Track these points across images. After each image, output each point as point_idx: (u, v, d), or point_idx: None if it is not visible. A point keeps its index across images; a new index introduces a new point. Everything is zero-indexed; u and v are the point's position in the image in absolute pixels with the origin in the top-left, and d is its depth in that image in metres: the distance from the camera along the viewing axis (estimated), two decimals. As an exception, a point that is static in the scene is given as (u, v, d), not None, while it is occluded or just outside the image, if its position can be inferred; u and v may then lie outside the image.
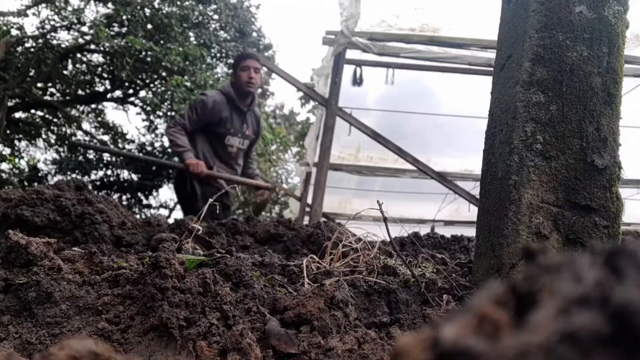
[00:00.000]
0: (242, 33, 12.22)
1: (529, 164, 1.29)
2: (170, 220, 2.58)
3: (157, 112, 11.35)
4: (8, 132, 10.95)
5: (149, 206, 13.01)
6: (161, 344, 0.95)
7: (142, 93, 12.42)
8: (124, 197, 11.95)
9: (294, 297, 1.08)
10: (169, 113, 11.13)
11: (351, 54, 5.73)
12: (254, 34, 12.69)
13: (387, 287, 1.22)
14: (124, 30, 11.03)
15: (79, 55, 11.05)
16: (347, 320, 1.05)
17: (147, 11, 10.67)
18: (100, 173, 11.85)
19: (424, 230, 2.83)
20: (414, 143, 6.60)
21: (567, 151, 1.30)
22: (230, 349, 0.88)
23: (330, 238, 1.46)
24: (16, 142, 11.68)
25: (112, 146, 12.26)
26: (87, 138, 12.25)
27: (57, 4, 10.43)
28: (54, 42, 10.76)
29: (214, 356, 0.90)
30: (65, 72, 11.38)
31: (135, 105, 12.48)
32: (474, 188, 6.45)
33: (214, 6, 11.90)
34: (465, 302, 1.22)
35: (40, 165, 12.04)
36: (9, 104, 10.08)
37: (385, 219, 1.39)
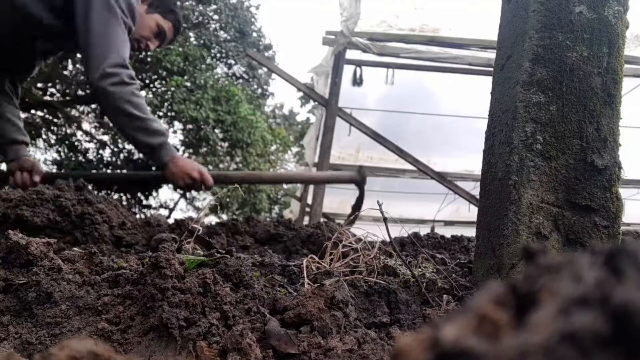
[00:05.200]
0: (242, 33, 12.23)
1: (529, 164, 1.29)
2: (170, 221, 2.58)
3: (158, 113, 11.35)
4: (8, 132, 10.93)
5: (149, 206, 13.02)
6: (161, 344, 0.95)
7: (142, 93, 12.43)
8: (124, 197, 11.95)
9: (294, 297, 1.08)
10: (169, 113, 11.15)
11: (351, 54, 5.74)
12: (254, 34, 12.71)
13: (387, 288, 1.22)
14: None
15: (79, 55, 11.04)
16: (347, 320, 1.05)
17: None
18: (100, 173, 11.85)
19: (424, 230, 2.83)
20: (414, 143, 6.60)
21: (567, 151, 1.30)
22: (230, 349, 0.88)
23: (330, 238, 1.46)
24: (16, 142, 11.66)
25: (112, 147, 12.27)
26: (87, 138, 12.25)
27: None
28: (54, 42, 10.74)
29: (214, 356, 0.90)
30: (65, 72, 11.39)
31: (135, 106, 12.46)
32: (474, 188, 6.46)
33: (214, 6, 11.91)
34: (465, 302, 1.22)
35: (40, 166, 12.03)
36: (9, 104, 10.06)
37: (385, 219, 1.39)
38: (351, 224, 2.25)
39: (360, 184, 2.89)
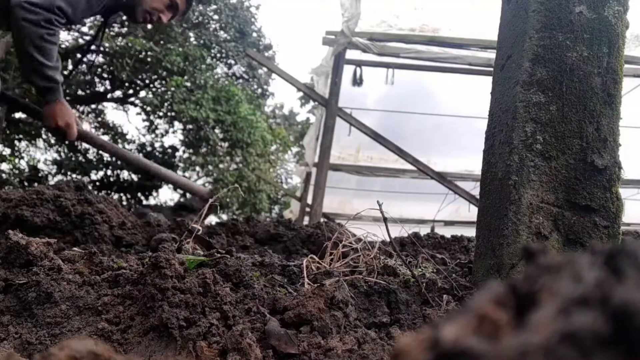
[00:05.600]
0: (242, 33, 12.23)
1: (529, 164, 1.29)
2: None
3: (158, 113, 11.35)
4: (8, 132, 10.95)
5: (149, 206, 13.02)
6: (161, 344, 0.95)
7: (142, 93, 12.43)
8: (124, 197, 11.96)
9: (294, 297, 1.08)
10: (169, 113, 11.14)
11: (351, 54, 5.73)
12: (254, 34, 12.71)
13: (387, 287, 1.22)
14: (124, 30, 11.03)
15: (79, 55, 11.05)
16: (347, 320, 1.05)
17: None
18: (101, 173, 11.86)
19: (424, 230, 2.83)
20: (414, 143, 6.60)
21: (567, 151, 1.30)
22: (230, 349, 0.88)
23: (330, 238, 1.46)
24: (16, 142, 11.68)
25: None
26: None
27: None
28: (54, 42, 10.73)
29: (214, 356, 0.90)
30: (65, 72, 11.38)
31: (135, 106, 12.49)
32: (474, 188, 6.45)
33: (214, 6, 11.91)
34: (465, 302, 1.22)
35: (41, 166, 12.05)
36: (9, 104, 10.05)
37: (385, 219, 1.39)
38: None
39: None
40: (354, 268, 1.34)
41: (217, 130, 11.07)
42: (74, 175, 11.35)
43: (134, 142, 12.54)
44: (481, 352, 0.24)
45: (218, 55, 12.33)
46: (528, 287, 0.28)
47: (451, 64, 5.72)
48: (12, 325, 0.99)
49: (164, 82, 11.43)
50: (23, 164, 11.98)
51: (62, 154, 11.87)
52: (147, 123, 12.43)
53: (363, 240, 1.43)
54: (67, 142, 2.54)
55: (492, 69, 1.59)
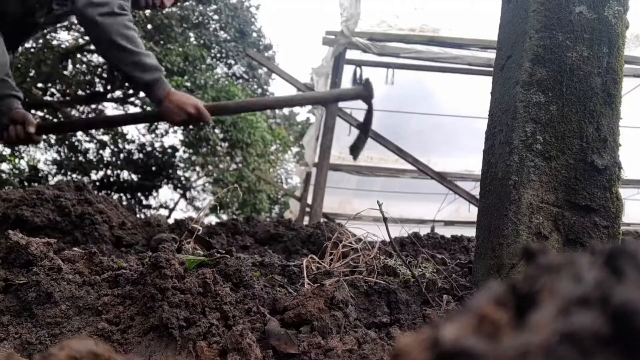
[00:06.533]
0: (242, 33, 12.23)
1: (529, 164, 1.29)
2: (170, 221, 2.58)
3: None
4: (8, 132, 10.93)
5: (149, 206, 13.02)
6: (161, 344, 0.95)
7: (142, 93, 12.42)
8: (124, 198, 11.95)
9: (294, 297, 1.08)
10: (169, 113, 11.11)
11: (351, 54, 5.73)
12: (254, 34, 12.71)
13: (387, 288, 1.22)
14: (124, 30, 11.00)
15: (79, 55, 11.06)
16: (347, 320, 1.05)
17: (147, 11, 10.68)
18: (101, 173, 11.87)
19: (424, 230, 2.83)
20: (414, 143, 6.59)
21: (567, 151, 1.30)
22: (230, 349, 0.88)
23: (330, 238, 1.46)
24: (16, 142, 11.66)
25: (112, 147, 12.24)
26: (87, 138, 12.26)
27: (57, 4, 10.44)
28: (54, 42, 10.77)
29: (214, 356, 0.90)
30: (65, 72, 11.39)
31: (135, 106, 12.49)
32: (474, 188, 6.45)
33: (214, 6, 11.90)
34: (465, 302, 1.22)
35: (41, 166, 12.04)
36: (9, 104, 10.05)
37: (385, 219, 1.39)
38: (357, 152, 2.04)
39: (367, 98, 2.58)
40: (354, 268, 1.34)
41: (217, 130, 11.07)
42: (74, 175, 11.36)
43: (133, 142, 12.55)
44: (481, 352, 0.24)
45: (218, 55, 12.33)
46: (528, 287, 0.28)
47: (451, 64, 5.72)
48: (12, 325, 0.99)
49: (164, 82, 11.41)
50: (23, 164, 11.98)
51: (62, 154, 11.87)
52: (147, 123, 12.43)
53: (363, 240, 1.43)
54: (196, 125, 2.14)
55: (492, 69, 1.59)
